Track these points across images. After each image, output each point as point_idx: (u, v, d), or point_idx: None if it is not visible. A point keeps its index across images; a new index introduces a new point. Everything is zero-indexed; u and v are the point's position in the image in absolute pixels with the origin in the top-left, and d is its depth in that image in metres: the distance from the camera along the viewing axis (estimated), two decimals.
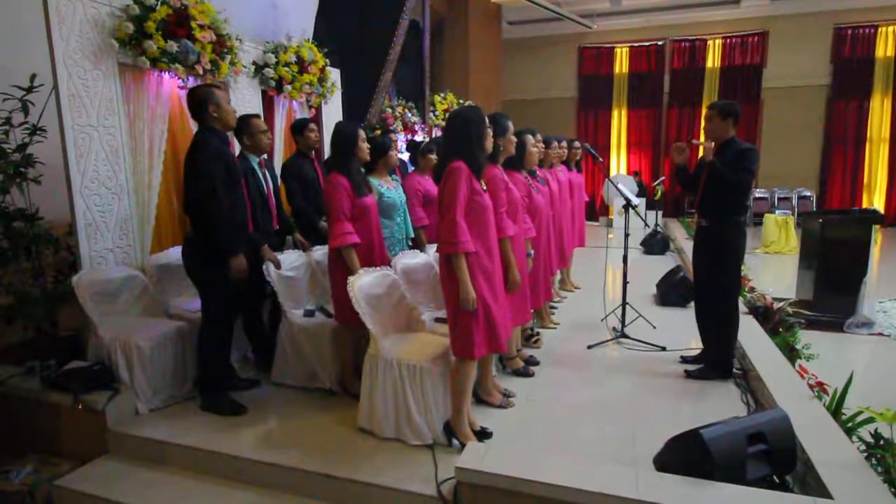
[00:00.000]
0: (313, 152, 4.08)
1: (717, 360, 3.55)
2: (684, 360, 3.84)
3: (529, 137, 3.69)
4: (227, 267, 2.95)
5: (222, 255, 2.95)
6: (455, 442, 2.67)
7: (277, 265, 3.39)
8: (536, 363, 3.79)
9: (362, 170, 3.40)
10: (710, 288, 3.53)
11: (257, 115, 3.69)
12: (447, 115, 9.12)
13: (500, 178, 2.98)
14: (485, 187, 2.64)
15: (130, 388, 3.08)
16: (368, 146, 3.33)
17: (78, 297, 3.14)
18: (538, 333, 4.23)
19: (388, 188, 3.63)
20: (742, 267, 5.89)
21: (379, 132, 6.64)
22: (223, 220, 2.90)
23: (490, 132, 2.67)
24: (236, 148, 3.63)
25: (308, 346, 3.37)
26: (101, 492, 2.64)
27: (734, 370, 3.57)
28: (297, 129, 4.05)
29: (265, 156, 3.66)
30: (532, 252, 3.45)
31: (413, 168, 4.64)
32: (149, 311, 3.48)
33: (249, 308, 3.61)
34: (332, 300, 3.26)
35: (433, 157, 4.33)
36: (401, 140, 7.28)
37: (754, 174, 3.29)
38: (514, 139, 3.16)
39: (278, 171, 4.02)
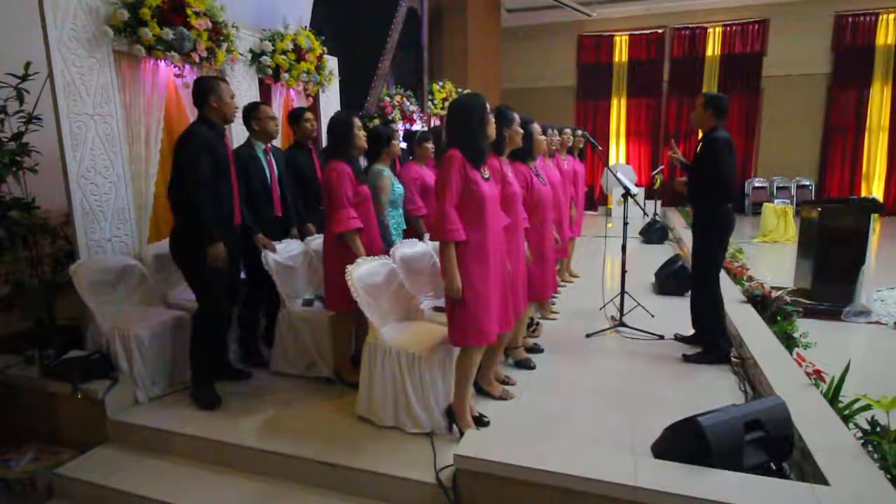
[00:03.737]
0: (311, 142, 4.04)
1: (709, 344, 3.64)
2: (678, 338, 3.98)
3: (536, 127, 3.65)
4: (206, 255, 2.94)
5: (202, 244, 2.93)
6: (454, 428, 2.67)
7: (272, 250, 3.38)
8: (541, 350, 3.80)
9: (361, 158, 3.39)
10: (697, 272, 3.72)
11: (264, 103, 3.70)
12: (446, 102, 9.09)
13: (498, 170, 2.96)
14: (486, 175, 2.62)
15: (129, 377, 3.09)
16: (364, 134, 3.31)
17: (76, 287, 3.13)
18: (538, 323, 4.24)
19: (395, 178, 3.63)
20: (740, 256, 5.93)
21: (378, 121, 6.61)
22: (202, 209, 2.89)
23: (492, 119, 2.63)
24: (236, 138, 3.62)
25: (307, 336, 3.37)
26: (102, 480, 2.66)
27: (733, 358, 3.59)
28: (294, 118, 3.98)
29: (271, 143, 3.64)
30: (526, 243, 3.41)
31: (410, 158, 4.61)
32: (147, 300, 3.48)
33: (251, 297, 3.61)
34: (325, 286, 3.24)
35: (429, 145, 4.31)
36: (399, 129, 7.24)
37: (722, 162, 3.39)
38: (521, 130, 3.13)
39: None
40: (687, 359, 3.65)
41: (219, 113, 3.02)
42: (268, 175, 3.54)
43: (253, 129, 3.53)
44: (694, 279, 3.78)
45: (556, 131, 4.89)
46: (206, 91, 2.98)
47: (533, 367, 3.57)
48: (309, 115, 3.97)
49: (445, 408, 2.72)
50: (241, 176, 3.31)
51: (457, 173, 2.47)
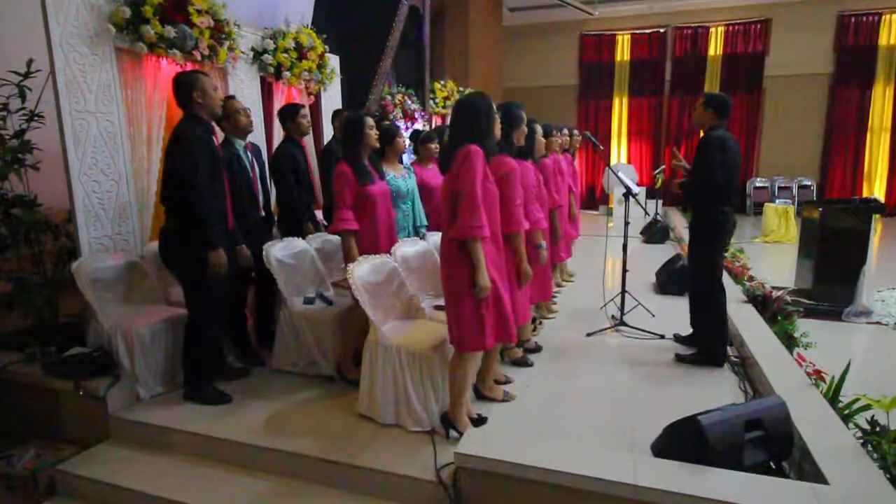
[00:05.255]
0: (304, 139, 4.01)
1: (706, 347, 3.60)
2: (676, 338, 3.96)
3: (537, 126, 3.65)
4: (206, 261, 2.87)
5: (202, 248, 2.87)
6: (453, 433, 2.66)
7: (247, 263, 3.33)
8: (540, 349, 3.80)
9: (369, 157, 3.37)
10: (692, 275, 3.70)
11: (232, 96, 3.61)
12: (447, 101, 9.03)
13: (517, 170, 2.94)
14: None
15: (131, 375, 3.09)
16: (377, 133, 3.31)
17: (78, 284, 3.14)
18: (538, 322, 4.24)
19: (395, 175, 3.62)
20: (741, 256, 5.93)
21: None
22: (205, 214, 2.82)
23: (498, 119, 2.62)
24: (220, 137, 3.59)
25: (308, 334, 3.38)
26: (104, 477, 2.66)
27: (733, 358, 3.59)
28: (289, 114, 3.91)
29: (249, 140, 3.60)
30: (543, 244, 3.41)
31: (414, 157, 4.59)
32: (148, 298, 3.49)
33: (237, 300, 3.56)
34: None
35: (433, 146, 4.29)
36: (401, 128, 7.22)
37: (710, 162, 3.34)
38: (526, 129, 3.13)
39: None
40: (679, 359, 3.65)
41: (205, 108, 2.91)
42: (250, 174, 3.50)
43: (225, 127, 3.46)
44: (691, 282, 3.76)
45: (557, 132, 4.90)
46: (189, 86, 2.84)
47: (531, 365, 3.58)
48: (304, 111, 3.93)
49: (441, 415, 2.71)
50: (227, 176, 3.20)
51: (482, 168, 2.43)
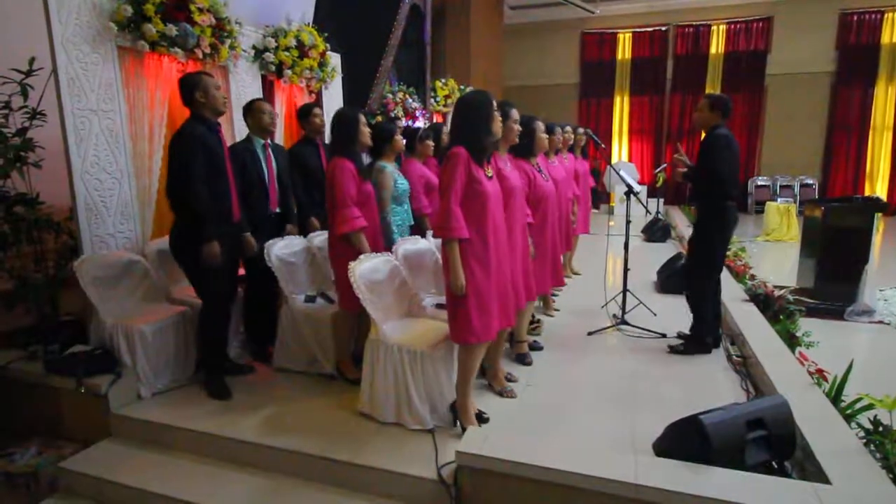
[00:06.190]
0: (318, 137, 4.05)
1: (694, 335, 3.72)
2: (680, 336, 3.99)
3: (539, 124, 3.64)
4: (200, 253, 2.94)
5: (198, 242, 2.95)
6: (458, 424, 2.68)
7: (251, 252, 3.35)
8: (540, 348, 3.80)
9: (365, 155, 3.39)
10: (692, 264, 3.81)
11: (261, 98, 3.71)
12: (448, 100, 9.01)
13: (492, 166, 2.95)
14: (490, 174, 2.62)
15: (132, 372, 3.10)
16: (369, 130, 3.31)
17: (80, 282, 3.14)
18: (539, 320, 4.24)
19: (398, 174, 3.64)
20: (743, 254, 5.93)
21: (380, 118, 6.60)
22: (198, 208, 2.90)
23: (498, 116, 2.63)
24: (238, 135, 3.62)
25: (309, 332, 3.38)
26: (104, 474, 2.67)
27: (734, 358, 3.59)
28: (303, 114, 4.03)
29: (270, 139, 3.63)
30: (529, 240, 3.39)
31: (408, 155, 4.57)
32: (150, 295, 3.49)
33: (252, 293, 3.63)
34: (337, 287, 3.21)
35: (430, 143, 4.30)
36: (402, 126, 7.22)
37: (717, 158, 3.43)
38: (516, 127, 3.10)
39: None
40: (672, 350, 3.74)
41: (207, 106, 2.99)
42: (265, 170, 3.54)
43: (249, 125, 3.57)
44: (691, 271, 3.82)
45: (560, 129, 4.89)
46: (190, 87, 2.95)
47: (530, 363, 3.57)
48: (317, 110, 4.00)
49: (451, 402, 2.74)
50: (237, 171, 3.29)
51: (462, 171, 2.47)
